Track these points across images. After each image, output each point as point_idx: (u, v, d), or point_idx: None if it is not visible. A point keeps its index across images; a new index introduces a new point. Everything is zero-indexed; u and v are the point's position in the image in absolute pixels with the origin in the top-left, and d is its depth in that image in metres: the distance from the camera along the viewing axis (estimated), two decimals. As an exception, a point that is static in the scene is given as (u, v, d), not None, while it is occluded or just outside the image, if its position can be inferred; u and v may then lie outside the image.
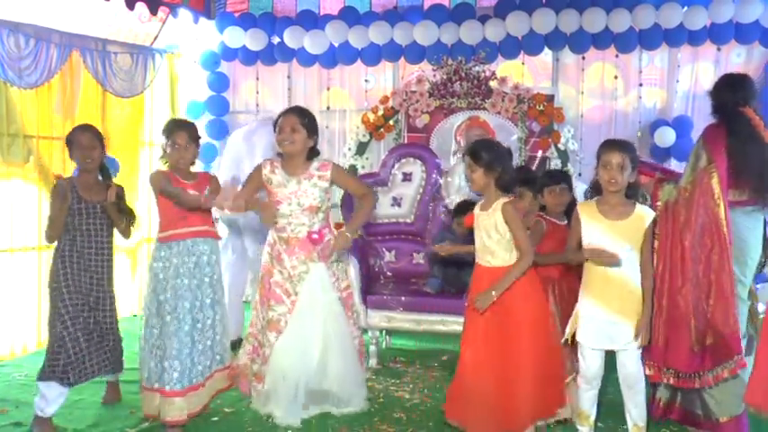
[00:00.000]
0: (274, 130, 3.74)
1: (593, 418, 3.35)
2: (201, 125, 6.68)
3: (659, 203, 3.40)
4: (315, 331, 3.66)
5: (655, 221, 3.24)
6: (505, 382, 3.22)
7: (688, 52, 6.14)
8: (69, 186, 3.63)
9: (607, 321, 3.19)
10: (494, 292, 3.19)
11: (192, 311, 3.57)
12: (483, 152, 3.27)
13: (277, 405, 3.66)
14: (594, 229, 3.21)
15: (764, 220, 3.54)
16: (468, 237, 4.70)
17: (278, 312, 3.72)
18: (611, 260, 3.14)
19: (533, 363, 3.21)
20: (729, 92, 3.51)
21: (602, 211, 3.23)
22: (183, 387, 3.50)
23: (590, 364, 3.27)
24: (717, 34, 5.86)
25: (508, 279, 3.20)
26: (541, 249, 3.65)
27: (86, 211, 3.65)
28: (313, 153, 3.78)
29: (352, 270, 4.43)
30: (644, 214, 3.20)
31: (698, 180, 3.31)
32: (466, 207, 4.77)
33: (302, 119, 3.68)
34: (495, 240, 3.27)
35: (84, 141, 3.66)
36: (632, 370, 3.22)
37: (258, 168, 3.82)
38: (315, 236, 3.67)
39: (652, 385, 3.53)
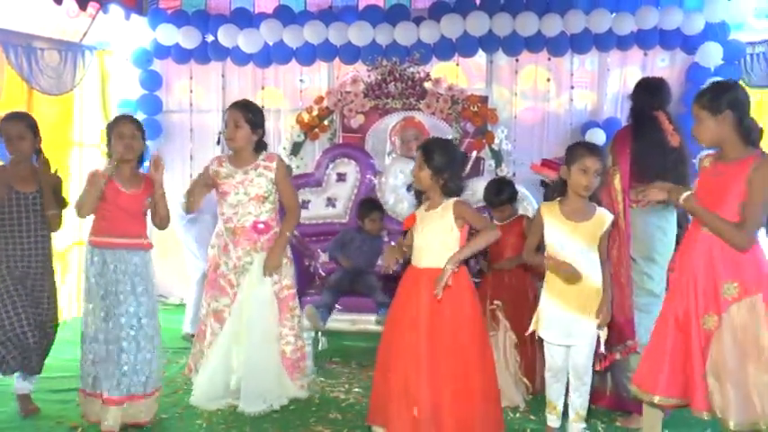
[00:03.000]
0: None
1: (560, 408, 3.44)
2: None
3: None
4: (244, 330, 3.71)
5: (613, 223, 3.31)
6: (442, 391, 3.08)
7: (617, 57, 6.30)
8: None
9: (567, 319, 3.26)
10: (448, 266, 3.02)
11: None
12: (435, 155, 3.15)
13: (198, 393, 3.72)
14: (556, 230, 3.24)
15: (678, 220, 3.68)
16: (374, 239, 4.74)
17: (222, 304, 3.76)
18: (572, 278, 3.18)
19: (472, 369, 3.11)
20: (646, 96, 3.70)
21: (565, 212, 3.25)
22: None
23: (554, 358, 3.36)
24: (643, 40, 6.04)
25: (474, 246, 3.11)
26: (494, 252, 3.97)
27: (18, 203, 3.58)
28: (260, 146, 3.77)
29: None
30: (605, 217, 3.26)
31: (603, 180, 3.45)
32: (372, 205, 4.80)
33: (246, 114, 3.68)
34: (440, 241, 3.15)
35: (12, 132, 3.58)
36: (583, 361, 3.31)
37: (205, 167, 3.82)
38: (260, 225, 3.67)
39: None
